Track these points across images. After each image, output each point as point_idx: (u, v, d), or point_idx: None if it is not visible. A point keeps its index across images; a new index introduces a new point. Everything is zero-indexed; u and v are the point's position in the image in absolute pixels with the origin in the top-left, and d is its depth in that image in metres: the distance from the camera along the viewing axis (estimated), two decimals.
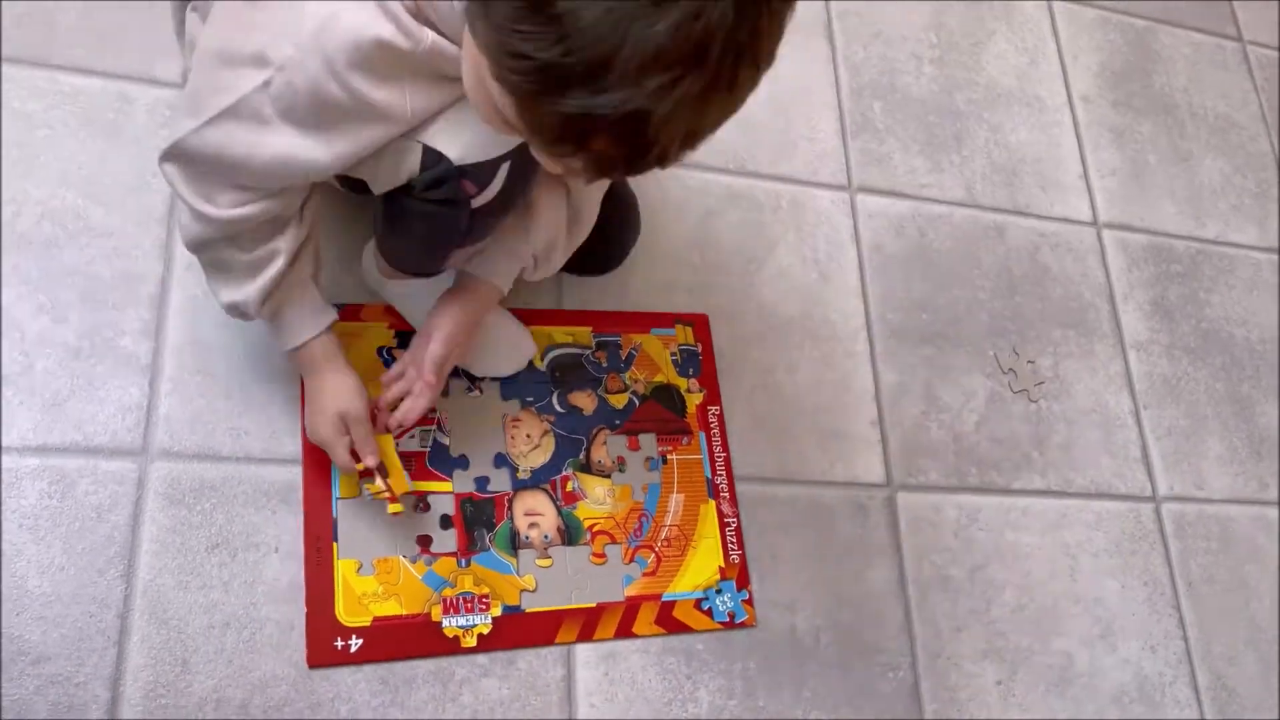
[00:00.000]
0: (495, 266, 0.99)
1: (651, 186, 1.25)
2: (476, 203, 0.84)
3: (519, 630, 1.02)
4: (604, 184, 1.02)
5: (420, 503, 1.03)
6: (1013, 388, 1.34)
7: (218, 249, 0.86)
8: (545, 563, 1.04)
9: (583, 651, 1.04)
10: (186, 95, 0.82)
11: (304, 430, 0.99)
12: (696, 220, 1.29)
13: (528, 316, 1.14)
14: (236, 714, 0.93)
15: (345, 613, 0.97)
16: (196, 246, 0.87)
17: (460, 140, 0.81)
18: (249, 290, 0.87)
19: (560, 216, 0.98)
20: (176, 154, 0.81)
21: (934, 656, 1.16)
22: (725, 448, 1.17)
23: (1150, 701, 1.23)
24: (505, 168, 0.83)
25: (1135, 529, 1.32)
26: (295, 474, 1.01)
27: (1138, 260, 1.51)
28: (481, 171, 0.82)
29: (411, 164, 0.82)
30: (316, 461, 1.01)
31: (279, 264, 0.86)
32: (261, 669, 0.95)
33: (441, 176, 0.82)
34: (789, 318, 1.27)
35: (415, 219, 0.88)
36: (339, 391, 0.94)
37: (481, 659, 1.01)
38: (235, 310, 0.90)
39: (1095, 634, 1.24)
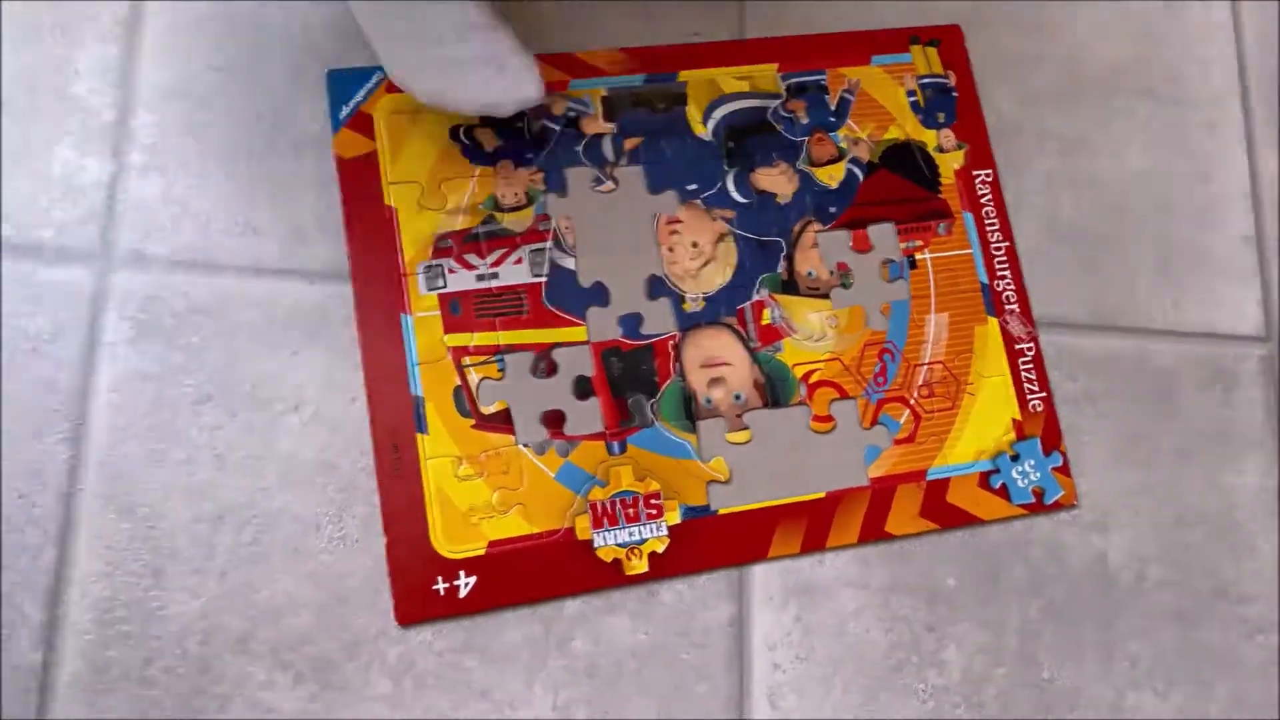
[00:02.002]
0: None
1: None
2: None
3: (710, 542, 0.67)
4: None
5: (542, 360, 0.67)
6: None
7: None
8: (741, 437, 0.69)
9: (763, 581, 0.67)
10: None
11: None
12: None
13: (668, 57, 0.74)
14: (232, 651, 0.61)
15: (447, 539, 0.64)
16: None
17: None
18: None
19: None
20: None
21: None
22: (1008, 234, 0.76)
23: None
24: None
25: None
26: (334, 295, 0.66)
27: None
28: None
29: None
30: (375, 274, 0.66)
31: None
32: (272, 587, 0.62)
33: None
34: (1110, 66, 0.83)
35: None
36: None
37: (604, 592, 0.65)
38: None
39: None
